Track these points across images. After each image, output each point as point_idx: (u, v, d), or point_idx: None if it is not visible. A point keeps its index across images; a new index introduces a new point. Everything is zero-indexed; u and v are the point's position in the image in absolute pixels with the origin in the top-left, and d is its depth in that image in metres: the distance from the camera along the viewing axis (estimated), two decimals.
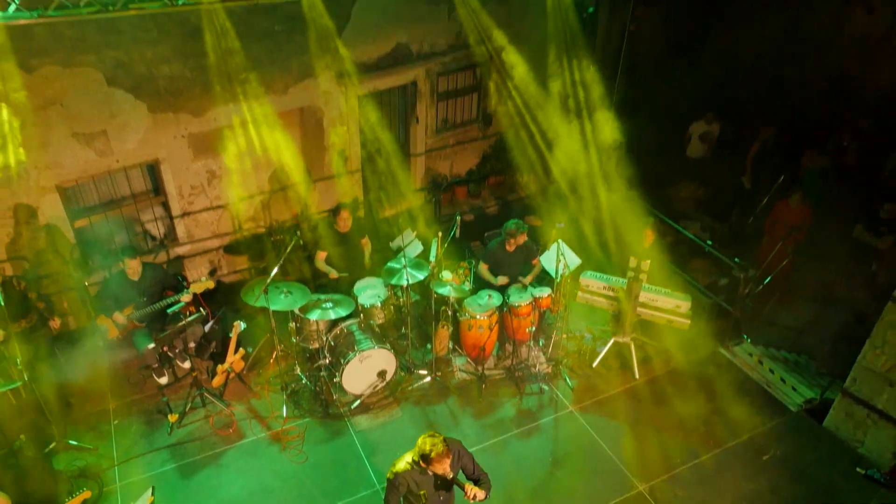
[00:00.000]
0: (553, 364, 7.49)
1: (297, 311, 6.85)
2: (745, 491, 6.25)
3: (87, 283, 7.53)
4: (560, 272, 7.00)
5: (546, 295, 7.23)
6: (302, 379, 7.15)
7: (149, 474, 6.24)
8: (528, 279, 7.56)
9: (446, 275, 7.25)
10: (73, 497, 5.15)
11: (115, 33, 6.99)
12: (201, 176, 8.37)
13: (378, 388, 7.02)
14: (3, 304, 5.84)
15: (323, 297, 6.95)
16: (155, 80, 7.49)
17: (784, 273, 8.33)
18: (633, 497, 6.19)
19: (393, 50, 9.02)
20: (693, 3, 11.32)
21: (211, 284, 6.89)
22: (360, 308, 7.10)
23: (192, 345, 6.94)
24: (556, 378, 7.40)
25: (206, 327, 7.15)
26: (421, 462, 4.26)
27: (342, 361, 6.67)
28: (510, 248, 7.41)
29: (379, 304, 7.09)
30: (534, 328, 7.18)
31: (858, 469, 6.45)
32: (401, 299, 7.23)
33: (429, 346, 7.53)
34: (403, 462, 4.38)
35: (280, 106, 8.30)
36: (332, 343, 6.94)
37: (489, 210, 10.60)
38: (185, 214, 8.48)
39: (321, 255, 7.61)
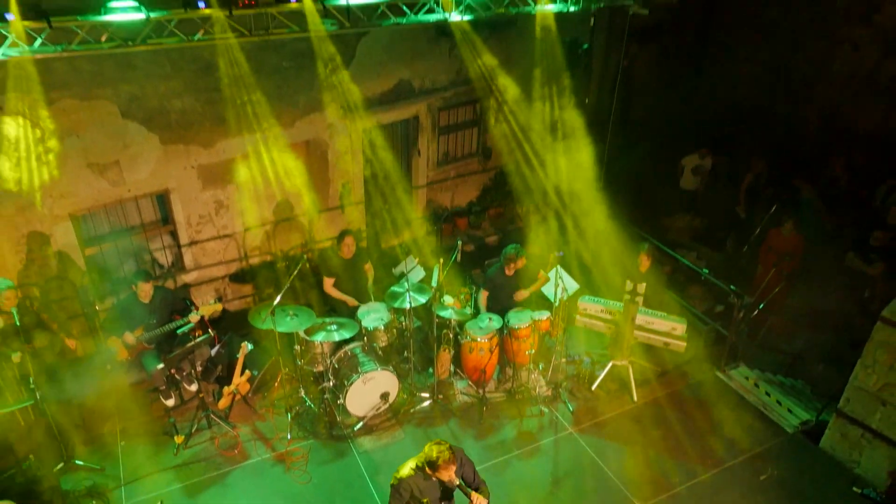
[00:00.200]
0: (553, 387, 7.61)
1: (302, 334, 7.02)
2: None
3: (97, 308, 7.71)
4: (558, 297, 7.22)
5: (545, 318, 7.41)
6: (306, 401, 7.27)
7: (155, 494, 6.31)
8: (530, 289, 7.75)
9: (448, 299, 7.44)
10: None
11: (130, 68, 7.31)
12: (209, 206, 8.62)
13: (381, 409, 7.13)
14: (18, 323, 6.01)
15: (328, 319, 7.12)
16: (167, 113, 7.80)
17: (779, 300, 8.52)
18: None
19: (396, 85, 9.37)
20: (685, 42, 11.78)
21: (219, 307, 7.08)
22: (363, 331, 7.26)
23: (198, 368, 7.08)
24: (556, 401, 7.52)
25: (213, 351, 7.31)
26: (427, 469, 4.38)
27: (346, 383, 6.81)
28: (509, 272, 7.61)
29: (382, 327, 7.25)
30: (533, 351, 7.34)
31: (855, 489, 6.52)
32: (403, 322, 7.40)
33: (430, 369, 7.67)
34: (407, 468, 4.51)
35: (287, 139, 8.59)
36: (336, 366, 7.09)
37: (489, 240, 10.83)
38: (192, 243, 8.70)
39: (329, 282, 7.80)
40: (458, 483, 4.43)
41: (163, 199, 8.41)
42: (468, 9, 7.46)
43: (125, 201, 8.12)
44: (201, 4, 6.02)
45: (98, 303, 7.82)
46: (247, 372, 7.20)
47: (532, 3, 7.78)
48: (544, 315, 7.43)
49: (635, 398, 7.54)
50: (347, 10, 6.77)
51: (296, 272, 6.84)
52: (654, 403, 7.54)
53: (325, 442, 6.95)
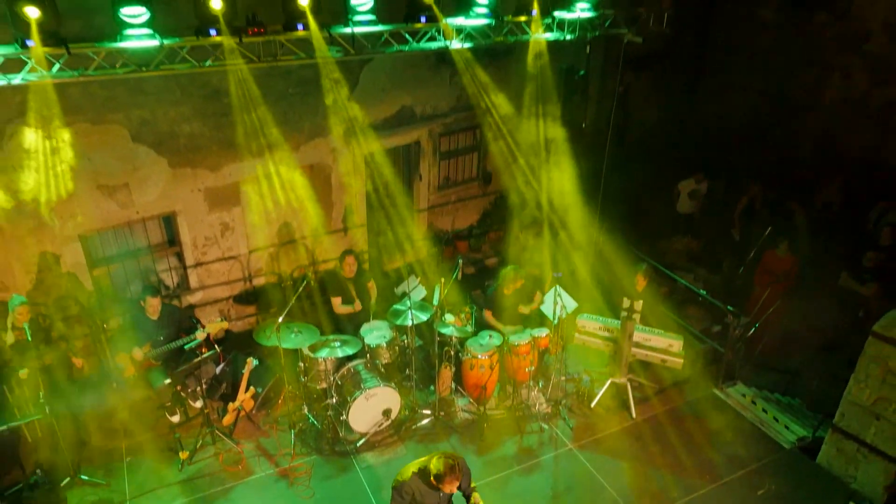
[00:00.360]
0: (552, 404, 7.72)
1: (305, 351, 7.15)
2: None
3: (104, 327, 7.85)
4: (558, 315, 7.37)
5: (545, 335, 7.55)
6: (309, 418, 7.38)
7: None
8: (530, 307, 7.93)
9: (449, 317, 7.59)
10: None
11: (141, 94, 7.57)
12: (215, 228, 8.82)
13: (383, 426, 7.24)
14: (30, 339, 6.15)
15: (331, 336, 7.26)
16: (176, 137, 8.04)
17: (774, 319, 8.66)
18: None
19: (398, 111, 9.64)
20: (680, 69, 12.08)
21: (225, 325, 7.24)
22: (366, 348, 7.40)
23: (203, 385, 7.19)
24: (556, 418, 7.63)
25: (218, 369, 7.45)
26: (433, 481, 4.49)
27: (349, 399, 6.93)
28: (508, 291, 7.78)
29: (384, 344, 7.39)
30: (533, 368, 7.47)
31: (851, 503, 6.60)
32: (405, 340, 7.53)
33: (432, 387, 7.79)
34: (410, 471, 4.63)
35: (291, 163, 8.82)
36: (339, 382, 7.21)
37: (489, 262, 11.00)
38: (198, 265, 8.88)
39: (337, 301, 7.95)
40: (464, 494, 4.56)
41: (169, 221, 8.60)
42: (468, 37, 7.74)
43: (133, 223, 8.31)
44: (213, 32, 6.27)
45: (105, 323, 7.96)
46: (251, 388, 7.32)
47: (529, 32, 8.05)
48: (543, 332, 7.58)
49: (634, 415, 7.65)
50: (352, 38, 7.03)
51: (300, 290, 7.00)
52: (653, 420, 7.64)
53: (328, 458, 7.05)
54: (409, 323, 7.17)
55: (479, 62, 9.05)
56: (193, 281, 8.94)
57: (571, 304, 7.88)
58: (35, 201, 7.31)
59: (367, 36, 7.16)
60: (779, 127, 11.31)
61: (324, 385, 7.27)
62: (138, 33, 5.99)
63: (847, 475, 6.83)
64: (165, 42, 6.14)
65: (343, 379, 7.23)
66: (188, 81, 7.79)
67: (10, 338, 6.40)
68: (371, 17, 6.98)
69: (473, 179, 11.21)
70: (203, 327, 7.16)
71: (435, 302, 7.59)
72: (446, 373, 7.63)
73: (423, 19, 7.24)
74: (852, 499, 6.65)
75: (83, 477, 6.64)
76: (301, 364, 7.23)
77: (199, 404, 7.15)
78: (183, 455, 6.90)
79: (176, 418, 7.29)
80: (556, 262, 9.33)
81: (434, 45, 7.62)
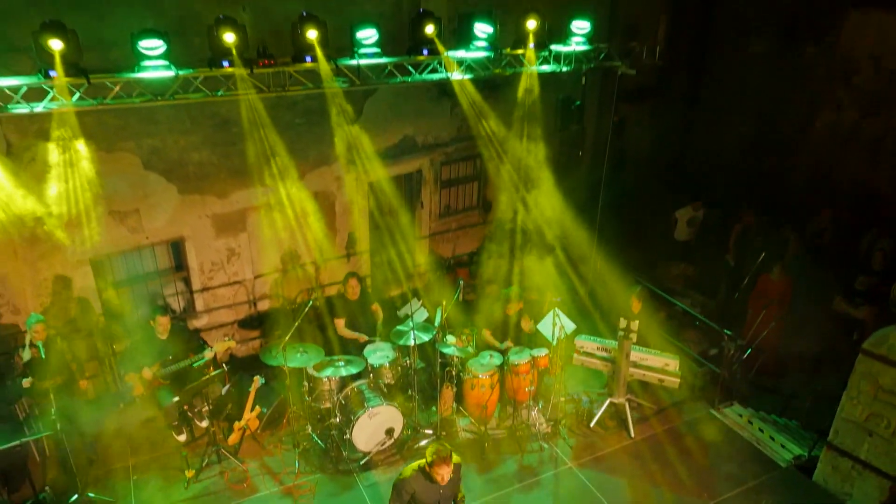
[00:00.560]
0: (552, 424, 7.85)
1: (310, 371, 7.32)
2: None
3: (113, 350, 8.02)
4: (556, 336, 7.56)
5: (544, 354, 7.72)
6: (313, 437, 7.50)
7: None
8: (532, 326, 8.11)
9: (451, 338, 7.77)
10: None
11: (153, 123, 7.87)
12: (221, 253, 9.04)
13: (386, 445, 7.36)
14: (44, 356, 6.33)
15: (335, 356, 7.44)
16: (186, 165, 8.31)
17: (770, 342, 8.83)
18: None
19: (400, 141, 9.94)
20: (674, 100, 12.45)
21: (233, 344, 7.42)
22: (369, 368, 7.56)
23: (209, 406, 7.34)
24: (556, 437, 7.76)
25: (224, 390, 7.60)
26: (427, 468, 4.70)
27: (352, 418, 7.07)
28: (509, 311, 7.98)
29: (387, 364, 7.56)
30: (533, 388, 7.62)
31: None
32: (408, 361, 7.70)
33: (434, 408, 7.93)
34: (410, 469, 4.82)
35: (297, 190, 9.07)
36: (343, 402, 7.35)
37: (489, 289, 11.15)
38: (204, 289, 9.07)
39: (340, 323, 8.14)
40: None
41: (177, 247, 8.83)
42: (469, 69, 8.08)
43: (142, 248, 8.54)
44: (225, 63, 6.60)
45: (113, 346, 8.13)
46: (257, 408, 7.46)
47: (527, 64, 8.40)
48: (543, 352, 7.75)
49: (633, 434, 7.78)
50: (358, 70, 7.36)
51: (305, 311, 7.19)
52: (652, 439, 7.77)
53: (331, 476, 7.16)
54: (412, 342, 7.34)
55: (479, 93, 9.39)
56: (199, 305, 9.13)
57: (570, 325, 8.06)
58: (49, 225, 7.55)
59: (371, 67, 7.50)
60: (772, 156, 11.61)
61: (328, 405, 7.42)
62: (155, 64, 6.31)
63: (843, 492, 6.93)
64: (181, 73, 6.46)
65: (347, 398, 7.38)
66: (198, 111, 8.09)
67: (26, 354, 6.58)
68: (376, 49, 7.34)
69: (474, 208, 11.48)
70: (210, 347, 7.33)
71: (437, 323, 7.78)
72: (448, 393, 7.78)
73: (425, 52, 7.60)
74: None
75: (90, 495, 6.76)
76: (306, 384, 7.39)
77: (205, 424, 7.29)
78: (189, 473, 7.02)
79: (182, 438, 7.43)
80: (557, 287, 9.52)
81: (436, 76, 7.96)
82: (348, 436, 7.10)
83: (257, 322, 9.57)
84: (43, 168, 7.29)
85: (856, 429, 6.71)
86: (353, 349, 8.10)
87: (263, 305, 9.58)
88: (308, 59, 6.98)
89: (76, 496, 6.65)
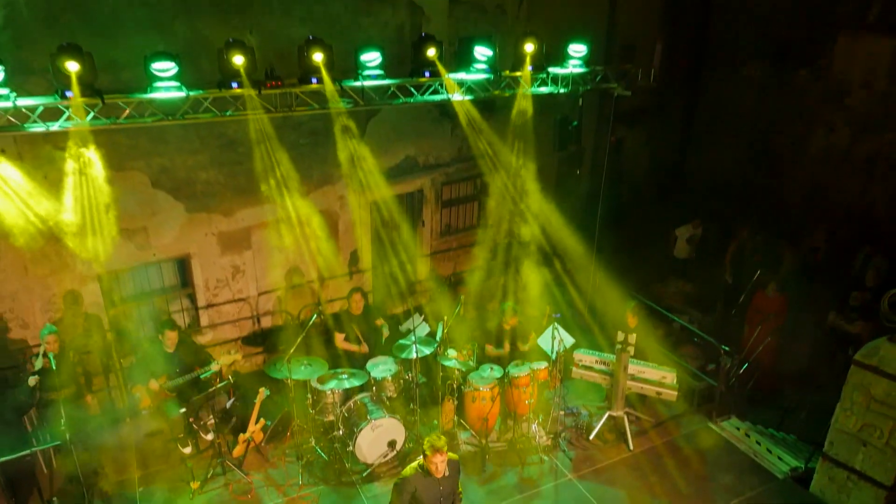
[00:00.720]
0: (552, 437, 7.96)
1: (313, 384, 7.46)
2: None
3: (120, 365, 8.16)
4: (556, 350, 7.71)
5: (543, 367, 7.86)
6: (317, 450, 7.61)
7: None
8: (528, 345, 8.29)
9: (452, 352, 7.92)
10: None
11: (162, 143, 8.09)
12: (226, 270, 9.21)
13: (388, 457, 7.47)
14: (54, 367, 6.48)
15: (339, 369, 7.58)
16: (193, 183, 8.52)
17: (766, 356, 8.97)
18: None
19: (402, 161, 10.17)
20: (671, 122, 12.71)
21: (239, 356, 7.57)
22: (372, 381, 7.69)
23: (215, 418, 7.46)
24: (555, 449, 7.87)
25: (228, 403, 7.72)
26: (423, 460, 4.85)
27: (356, 430, 7.19)
28: (507, 326, 8.16)
29: (390, 377, 7.69)
30: (532, 401, 7.75)
31: None
32: (409, 375, 7.84)
33: (435, 421, 8.04)
34: (412, 468, 4.96)
35: (301, 209, 9.26)
36: (346, 414, 7.48)
37: (489, 307, 11.30)
38: (209, 306, 9.23)
39: (339, 337, 8.29)
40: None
41: (183, 264, 9.01)
42: (469, 90, 8.33)
43: (149, 264, 8.71)
44: (234, 85, 6.83)
45: (121, 360, 8.27)
46: (261, 420, 7.58)
47: (525, 86, 8.65)
48: (542, 365, 7.89)
49: (631, 447, 7.88)
50: (362, 91, 7.60)
51: (309, 326, 7.35)
52: (650, 452, 7.87)
53: (334, 487, 7.27)
54: (414, 356, 7.48)
55: (479, 114, 9.62)
56: (204, 322, 9.28)
57: (569, 339, 8.22)
58: (59, 242, 7.74)
59: (375, 89, 7.74)
60: (767, 177, 11.84)
61: (331, 417, 7.55)
62: (167, 85, 6.54)
63: (839, 503, 7.02)
64: (191, 93, 6.70)
65: (350, 411, 7.50)
66: (207, 131, 8.32)
67: (38, 363, 6.73)
68: (379, 71, 7.58)
69: (474, 227, 11.67)
70: (216, 361, 7.47)
71: (438, 338, 7.93)
72: (449, 406, 7.90)
73: (427, 74, 7.84)
74: None
75: None
76: (309, 396, 7.52)
77: (210, 437, 7.41)
78: (194, 485, 7.12)
79: (188, 450, 7.53)
80: (556, 303, 9.68)
81: (437, 97, 8.20)
82: (351, 447, 7.22)
83: (261, 338, 9.70)
84: (54, 185, 7.48)
85: (850, 439, 6.82)
86: (358, 363, 8.24)
87: (267, 322, 9.73)
88: (314, 80, 7.22)
89: None
